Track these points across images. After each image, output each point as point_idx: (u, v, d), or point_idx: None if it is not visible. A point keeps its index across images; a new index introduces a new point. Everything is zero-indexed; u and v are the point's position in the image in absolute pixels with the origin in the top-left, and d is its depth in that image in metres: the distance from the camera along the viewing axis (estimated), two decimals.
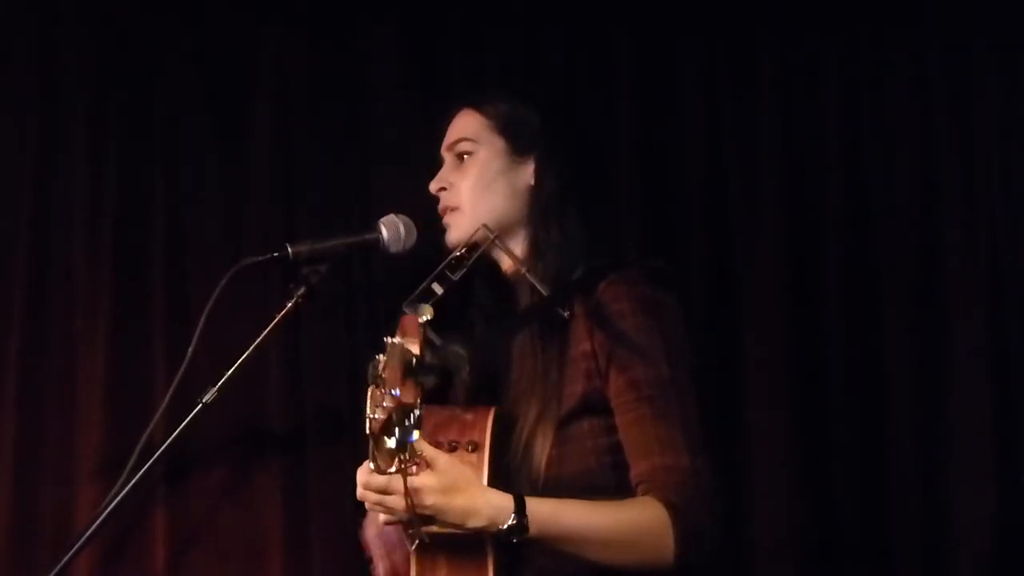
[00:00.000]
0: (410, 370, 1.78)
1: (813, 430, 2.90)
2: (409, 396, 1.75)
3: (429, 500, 1.98)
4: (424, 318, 1.94)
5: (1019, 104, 2.97)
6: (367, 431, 1.80)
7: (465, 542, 2.05)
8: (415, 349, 1.81)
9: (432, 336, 2.20)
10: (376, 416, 1.77)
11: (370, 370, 1.80)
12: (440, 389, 2.35)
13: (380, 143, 3.00)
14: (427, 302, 2.15)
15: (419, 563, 2.09)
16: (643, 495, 2.10)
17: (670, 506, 2.07)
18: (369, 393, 1.79)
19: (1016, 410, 2.87)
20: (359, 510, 2.29)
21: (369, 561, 2.37)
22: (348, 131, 3.02)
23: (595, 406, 2.19)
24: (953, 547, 2.85)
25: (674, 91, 3.03)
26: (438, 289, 2.19)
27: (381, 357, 1.79)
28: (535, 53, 3.04)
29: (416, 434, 1.77)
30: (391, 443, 1.78)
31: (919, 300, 2.94)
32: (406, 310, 2.22)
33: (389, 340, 1.81)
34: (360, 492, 2.04)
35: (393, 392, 1.74)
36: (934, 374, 2.91)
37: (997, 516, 2.83)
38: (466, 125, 2.40)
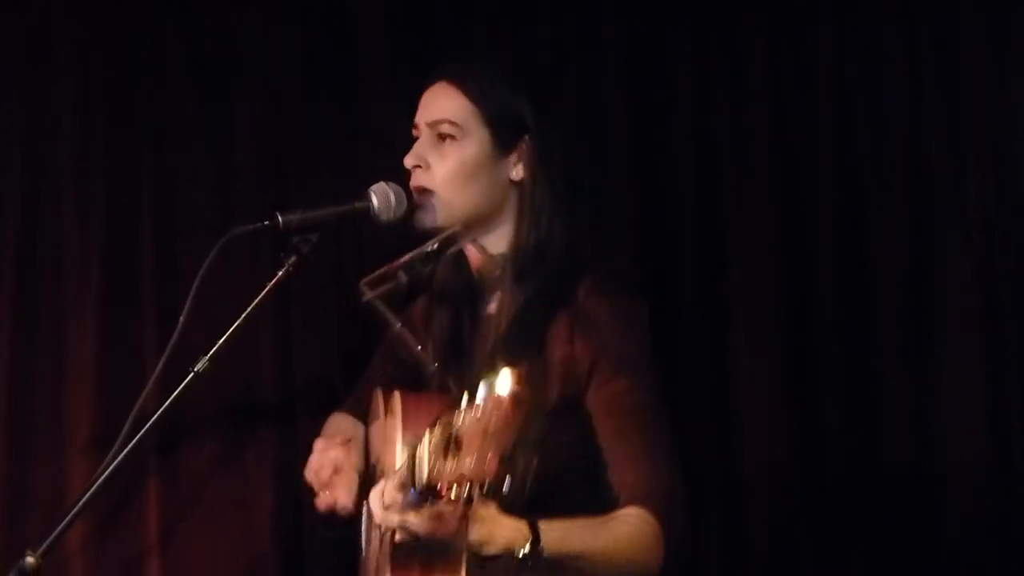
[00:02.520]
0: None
1: (802, 372, 2.94)
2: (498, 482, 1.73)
3: (450, 527, 1.97)
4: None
5: (1009, 88, 2.98)
6: (432, 485, 1.77)
7: (443, 554, 2.05)
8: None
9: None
10: (443, 479, 1.74)
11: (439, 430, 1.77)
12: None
13: (368, 112, 3.00)
14: (390, 285, 2.15)
15: (394, 562, 2.09)
16: (629, 504, 2.15)
17: (659, 518, 2.13)
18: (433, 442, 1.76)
19: (1004, 349, 2.92)
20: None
21: (312, 494, 2.37)
22: (336, 100, 3.02)
23: (570, 407, 2.21)
24: (943, 486, 2.89)
25: (664, 78, 3.04)
26: (403, 278, 2.19)
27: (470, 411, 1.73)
28: (524, 32, 3.04)
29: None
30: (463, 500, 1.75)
31: (909, 252, 2.97)
32: (364, 289, 2.22)
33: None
34: (379, 515, 2.01)
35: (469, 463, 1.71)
36: (924, 311, 2.94)
37: (987, 460, 2.87)
38: (449, 105, 2.30)
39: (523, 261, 2.27)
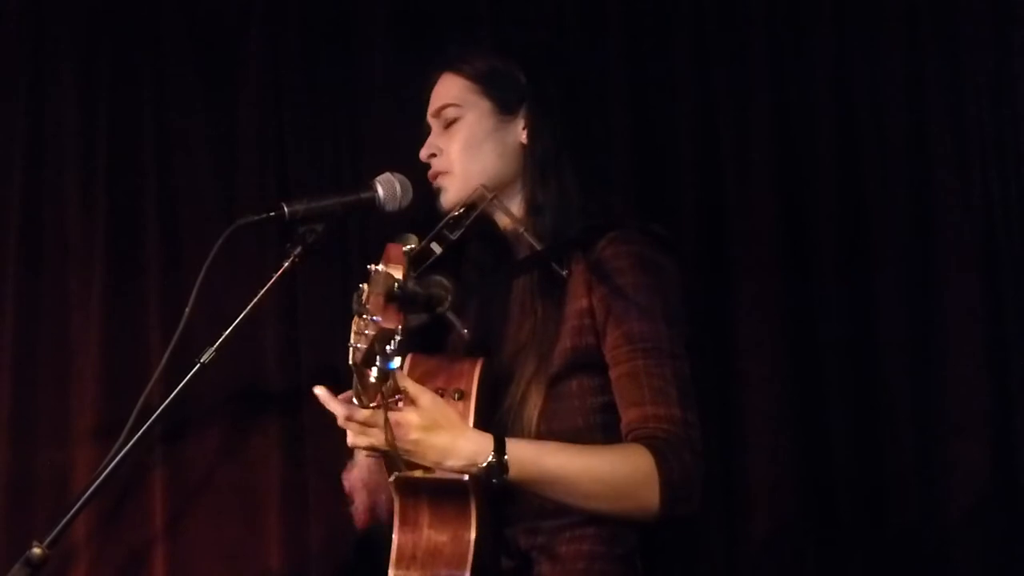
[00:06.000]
0: (392, 296, 1.78)
1: (806, 378, 2.90)
2: (391, 322, 1.74)
3: (410, 436, 1.99)
4: (408, 246, 1.95)
5: (1010, 41, 2.95)
6: (350, 362, 1.81)
7: (448, 490, 2.05)
8: (398, 275, 1.81)
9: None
10: (358, 346, 1.77)
11: (354, 301, 1.81)
12: (434, 338, 2.35)
13: (372, 97, 2.99)
14: (425, 262, 2.15)
15: (402, 507, 2.10)
16: (632, 442, 2.10)
17: (657, 453, 2.06)
18: (353, 324, 1.79)
19: (1009, 357, 2.87)
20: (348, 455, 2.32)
21: (350, 504, 2.38)
22: (339, 86, 3.01)
23: (585, 363, 2.20)
24: (947, 496, 2.86)
25: (664, 37, 3.00)
26: (436, 249, 2.19)
27: (365, 286, 1.80)
28: (526, 5, 3.03)
29: (397, 361, 1.77)
30: (374, 373, 1.79)
31: (911, 244, 2.93)
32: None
33: (372, 268, 1.82)
34: (341, 422, 2.05)
35: (374, 319, 1.74)
36: (927, 321, 2.90)
37: (992, 465, 2.84)
38: (448, 90, 2.38)
39: (540, 220, 2.29)
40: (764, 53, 2.98)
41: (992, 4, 2.94)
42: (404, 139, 2.51)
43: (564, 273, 2.19)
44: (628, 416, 2.13)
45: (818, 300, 2.93)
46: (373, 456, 2.08)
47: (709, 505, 2.57)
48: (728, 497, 2.86)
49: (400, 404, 1.96)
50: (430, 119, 2.40)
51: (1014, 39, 2.93)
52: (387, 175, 2.37)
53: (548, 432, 2.15)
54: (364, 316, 1.76)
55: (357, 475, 2.36)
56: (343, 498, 2.40)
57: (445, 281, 1.95)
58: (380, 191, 2.36)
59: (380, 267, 1.81)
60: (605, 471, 2.07)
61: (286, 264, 2.31)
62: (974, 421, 2.84)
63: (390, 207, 2.37)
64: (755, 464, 2.87)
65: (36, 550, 2.24)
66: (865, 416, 2.89)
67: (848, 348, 2.91)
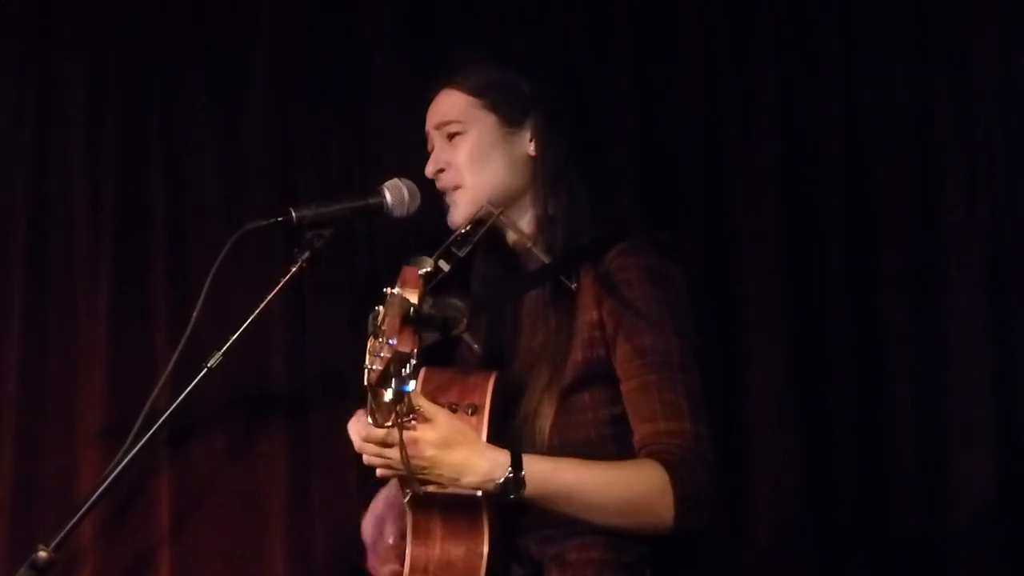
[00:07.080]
0: (408, 319, 1.79)
1: (809, 383, 2.90)
2: (406, 345, 1.76)
3: (426, 453, 2.00)
4: (424, 269, 1.96)
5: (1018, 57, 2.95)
6: (365, 383, 1.83)
7: (461, 504, 2.06)
8: (414, 299, 1.82)
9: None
10: (374, 367, 1.79)
11: (370, 322, 1.83)
12: (445, 351, 2.35)
13: (379, 102, 2.99)
14: (433, 280, 2.16)
15: (415, 521, 2.11)
16: (645, 458, 2.11)
17: (670, 468, 2.07)
18: (368, 345, 1.81)
19: (1013, 360, 2.88)
20: (360, 498, 2.32)
21: (362, 554, 2.38)
22: (347, 90, 3.01)
23: (596, 375, 2.20)
24: (950, 499, 2.86)
25: (670, 44, 3.00)
26: (445, 266, 2.19)
27: (380, 308, 1.82)
28: (533, 26, 3.02)
29: (412, 384, 1.80)
30: (388, 395, 1.81)
31: (916, 248, 2.93)
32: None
33: (388, 291, 1.83)
34: (358, 444, 2.05)
35: (390, 341, 1.76)
36: (931, 325, 2.90)
37: (995, 468, 2.84)
38: (451, 106, 2.34)
39: (550, 232, 2.28)
40: (770, 58, 2.98)
41: (997, 5, 2.95)
42: (412, 144, 2.51)
43: (573, 286, 2.19)
44: (641, 431, 2.14)
45: (823, 305, 2.93)
46: (387, 475, 2.07)
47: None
48: (731, 501, 2.85)
49: (414, 423, 1.97)
50: (432, 131, 2.37)
51: (1020, 41, 2.93)
52: (395, 181, 2.38)
53: (560, 445, 2.16)
54: (380, 338, 1.78)
55: (370, 520, 2.37)
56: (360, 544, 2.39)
57: (459, 303, 1.97)
58: (388, 197, 2.36)
59: (396, 290, 1.82)
60: (620, 486, 2.08)
61: (294, 269, 2.31)
62: (977, 424, 2.85)
63: (398, 213, 2.37)
64: (759, 469, 2.88)
65: (41, 553, 2.25)
66: (869, 420, 2.90)
67: (852, 353, 2.91)
